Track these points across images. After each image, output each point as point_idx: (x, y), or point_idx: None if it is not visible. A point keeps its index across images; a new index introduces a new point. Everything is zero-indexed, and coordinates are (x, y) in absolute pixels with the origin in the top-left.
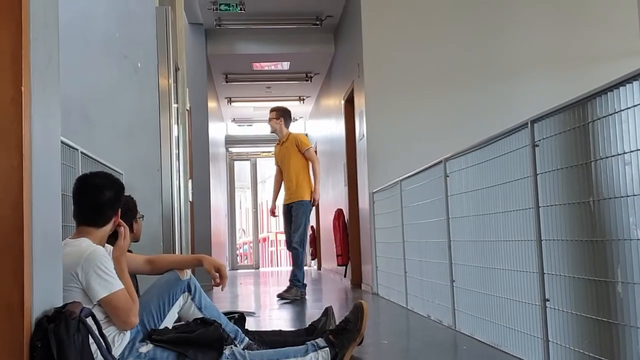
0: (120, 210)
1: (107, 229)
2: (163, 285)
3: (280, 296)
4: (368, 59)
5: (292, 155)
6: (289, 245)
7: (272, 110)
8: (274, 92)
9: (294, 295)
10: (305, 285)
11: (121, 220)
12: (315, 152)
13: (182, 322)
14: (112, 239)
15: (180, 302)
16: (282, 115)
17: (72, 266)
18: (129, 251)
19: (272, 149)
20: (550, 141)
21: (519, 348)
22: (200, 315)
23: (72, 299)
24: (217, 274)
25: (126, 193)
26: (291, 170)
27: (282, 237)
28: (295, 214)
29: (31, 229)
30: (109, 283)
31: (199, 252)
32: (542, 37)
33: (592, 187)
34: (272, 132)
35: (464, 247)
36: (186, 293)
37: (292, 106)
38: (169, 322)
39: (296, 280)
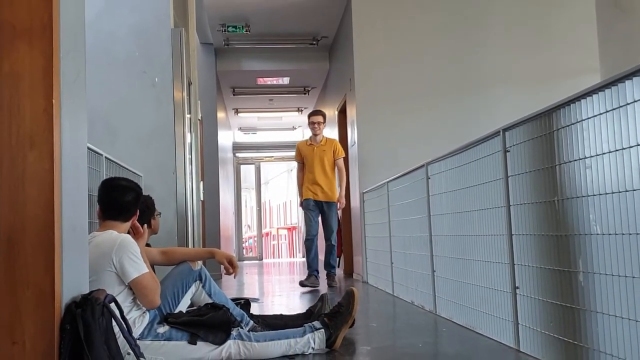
0: (138, 210)
1: (128, 225)
2: (177, 275)
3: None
4: (359, 75)
5: (328, 158)
6: (312, 234)
7: (319, 114)
8: (276, 104)
9: (332, 281)
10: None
11: (137, 222)
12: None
13: (194, 307)
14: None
15: (192, 289)
16: (326, 120)
17: (107, 252)
18: (147, 245)
19: (274, 154)
20: (520, 147)
21: (492, 330)
22: (210, 301)
23: (106, 280)
24: (229, 265)
25: (145, 193)
26: (327, 171)
27: (283, 232)
28: (329, 214)
29: (61, 224)
30: (139, 266)
31: (209, 245)
32: (513, 55)
33: (557, 187)
34: (313, 134)
35: (443, 241)
36: (198, 282)
37: (292, 116)
38: (182, 307)
39: (333, 268)
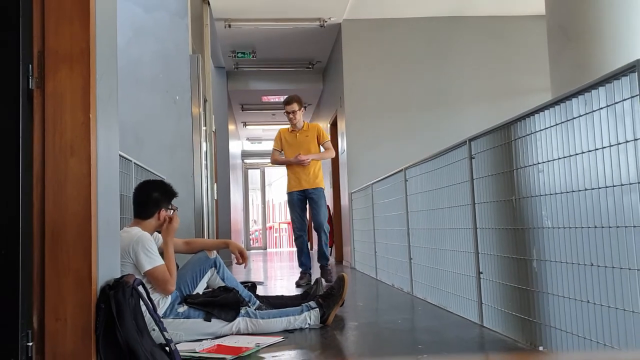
0: (164, 208)
1: (153, 221)
2: (196, 262)
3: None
4: (347, 93)
5: (312, 143)
6: (300, 230)
7: (292, 101)
8: (278, 118)
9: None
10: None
11: (168, 213)
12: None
13: (210, 289)
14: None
15: (208, 274)
16: (302, 105)
17: (126, 246)
18: None
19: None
20: (483, 154)
21: (460, 309)
22: (223, 284)
23: (126, 270)
24: (240, 256)
25: None
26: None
27: (284, 226)
28: (317, 200)
29: (97, 219)
30: (151, 260)
31: (222, 237)
32: (478, 76)
33: (515, 188)
34: (291, 124)
35: (419, 233)
36: (213, 268)
37: None
38: (200, 289)
39: (326, 260)
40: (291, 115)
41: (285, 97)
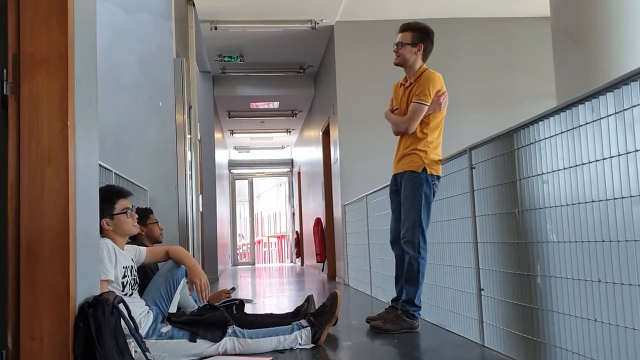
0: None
1: (109, 233)
2: (167, 273)
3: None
4: (340, 100)
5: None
6: (392, 237)
7: (403, 29)
8: (266, 125)
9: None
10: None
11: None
12: (299, 174)
13: (196, 308)
14: (134, 240)
15: (181, 285)
16: (425, 43)
17: None
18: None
19: (265, 170)
20: (484, 164)
21: (460, 327)
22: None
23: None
24: (198, 289)
25: (150, 206)
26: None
27: (273, 240)
28: (404, 194)
29: (75, 233)
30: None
31: (207, 252)
32: (479, 78)
33: (518, 200)
34: (397, 64)
35: None
36: (185, 277)
37: (281, 136)
38: (174, 302)
39: (409, 304)
40: (394, 50)
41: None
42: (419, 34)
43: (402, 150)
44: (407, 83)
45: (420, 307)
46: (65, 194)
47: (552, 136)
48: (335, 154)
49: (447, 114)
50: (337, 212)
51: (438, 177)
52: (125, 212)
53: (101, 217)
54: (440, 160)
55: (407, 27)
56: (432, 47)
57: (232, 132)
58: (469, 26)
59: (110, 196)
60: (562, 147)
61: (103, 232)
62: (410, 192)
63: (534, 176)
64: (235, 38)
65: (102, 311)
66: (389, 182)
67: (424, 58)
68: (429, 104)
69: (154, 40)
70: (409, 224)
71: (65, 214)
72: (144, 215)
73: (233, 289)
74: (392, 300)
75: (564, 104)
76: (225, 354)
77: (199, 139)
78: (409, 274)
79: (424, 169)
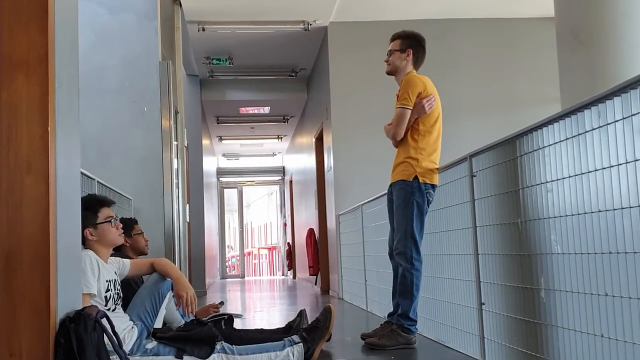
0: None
1: (92, 244)
2: (152, 286)
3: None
4: (334, 104)
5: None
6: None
7: (393, 38)
8: (257, 131)
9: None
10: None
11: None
12: (291, 181)
13: (183, 323)
14: (118, 252)
15: (167, 298)
16: (414, 49)
17: None
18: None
19: (255, 178)
20: (485, 172)
21: (460, 344)
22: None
23: None
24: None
25: (134, 216)
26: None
27: (264, 252)
28: (395, 203)
29: (56, 244)
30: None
31: (194, 264)
32: (480, 82)
33: (520, 210)
34: (388, 72)
35: None
36: (170, 290)
37: (272, 143)
38: (160, 317)
39: (404, 318)
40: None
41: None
42: (408, 40)
43: (396, 160)
44: (397, 91)
45: (416, 321)
46: (45, 203)
47: (556, 143)
48: (329, 161)
49: (446, 119)
50: (331, 222)
51: (433, 186)
52: (109, 221)
53: (84, 227)
54: (436, 168)
55: (396, 35)
56: (424, 55)
57: (220, 139)
58: (469, 27)
59: (92, 204)
60: (567, 154)
61: (86, 243)
62: (402, 202)
63: (537, 185)
64: (224, 39)
65: (84, 326)
66: (385, 191)
67: (415, 65)
68: (411, 107)
69: (138, 41)
70: (401, 235)
71: (45, 223)
72: (128, 225)
73: (222, 303)
74: (389, 315)
75: (569, 109)
76: None
77: (185, 145)
78: (402, 287)
79: (416, 178)
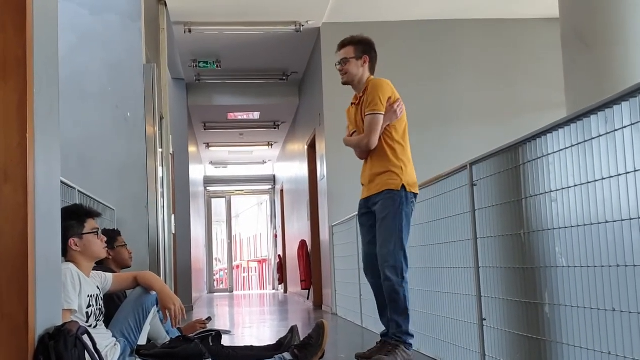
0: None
1: (75, 255)
2: (135, 301)
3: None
4: (328, 109)
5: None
6: (366, 268)
7: (342, 46)
8: (246, 138)
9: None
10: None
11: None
12: (280, 190)
13: (168, 340)
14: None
15: (152, 314)
16: (370, 55)
17: None
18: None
19: (245, 187)
20: (487, 181)
21: None
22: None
23: None
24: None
25: (117, 227)
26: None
27: (254, 265)
28: (379, 216)
29: (35, 257)
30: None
31: (180, 278)
32: (480, 86)
33: (523, 221)
34: (344, 83)
35: (412, 273)
36: (155, 306)
37: (262, 150)
38: (145, 333)
39: (405, 334)
40: (339, 67)
41: None
42: (362, 46)
43: (373, 170)
44: (357, 100)
45: (413, 336)
46: (23, 214)
47: (561, 150)
48: (322, 169)
49: (444, 125)
50: (324, 233)
51: (415, 196)
52: (95, 233)
53: (69, 237)
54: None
55: (346, 42)
56: (377, 58)
57: (208, 146)
58: (468, 28)
59: (79, 214)
60: (573, 162)
61: (68, 255)
62: (391, 212)
63: (541, 194)
64: (211, 41)
65: (64, 343)
66: None
67: (371, 70)
68: (383, 112)
69: (121, 43)
70: (391, 247)
71: (23, 236)
72: (111, 237)
73: (209, 318)
74: (383, 335)
75: (574, 114)
76: None
77: (171, 153)
78: (394, 303)
79: (403, 187)
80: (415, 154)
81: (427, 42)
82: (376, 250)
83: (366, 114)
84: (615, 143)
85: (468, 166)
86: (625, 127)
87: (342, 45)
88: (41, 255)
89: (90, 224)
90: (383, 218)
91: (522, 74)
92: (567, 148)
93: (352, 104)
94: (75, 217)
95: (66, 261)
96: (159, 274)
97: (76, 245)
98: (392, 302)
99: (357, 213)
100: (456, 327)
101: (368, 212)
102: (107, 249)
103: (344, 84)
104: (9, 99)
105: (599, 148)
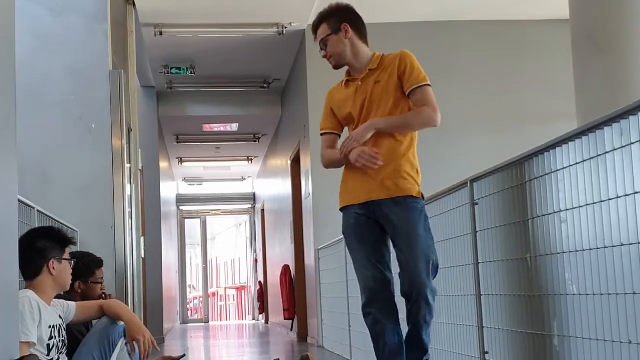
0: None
1: (44, 279)
2: (101, 332)
3: None
4: (314, 120)
5: (389, 93)
6: (371, 299)
7: (317, 23)
8: (223, 152)
9: None
10: None
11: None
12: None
13: None
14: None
15: (119, 346)
16: (350, 21)
17: None
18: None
19: (221, 207)
20: (489, 199)
21: None
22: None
23: None
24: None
25: (81, 249)
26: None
27: (231, 292)
28: (401, 226)
29: None
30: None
31: (150, 307)
32: (483, 94)
33: (530, 244)
34: (335, 66)
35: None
36: (123, 338)
37: (241, 166)
38: None
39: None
40: (321, 47)
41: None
42: (336, 17)
43: (389, 167)
44: (363, 75)
45: None
46: None
47: (571, 165)
48: (307, 187)
49: (442, 137)
50: (309, 258)
51: None
52: (70, 262)
53: (49, 257)
54: None
55: (317, 21)
56: (363, 23)
57: (181, 161)
58: (469, 31)
59: (61, 237)
60: (584, 178)
61: (35, 280)
62: (422, 225)
63: (549, 214)
64: (184, 46)
65: None
66: None
67: (362, 38)
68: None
69: (85, 48)
70: (424, 266)
71: None
72: (88, 268)
73: (184, 355)
74: None
75: (586, 126)
76: None
77: (140, 168)
78: (420, 338)
79: (422, 195)
80: None
81: (424, 45)
82: (389, 274)
83: (416, 86)
84: (632, 157)
85: (468, 183)
86: None
87: (315, 28)
88: None
89: (67, 252)
90: (410, 232)
91: (528, 80)
92: (577, 163)
93: (347, 81)
94: (57, 239)
95: (26, 287)
96: (126, 303)
97: (54, 268)
98: (419, 336)
99: (345, 226)
100: None
101: (369, 222)
102: (80, 282)
103: (336, 67)
104: None
105: (614, 163)
